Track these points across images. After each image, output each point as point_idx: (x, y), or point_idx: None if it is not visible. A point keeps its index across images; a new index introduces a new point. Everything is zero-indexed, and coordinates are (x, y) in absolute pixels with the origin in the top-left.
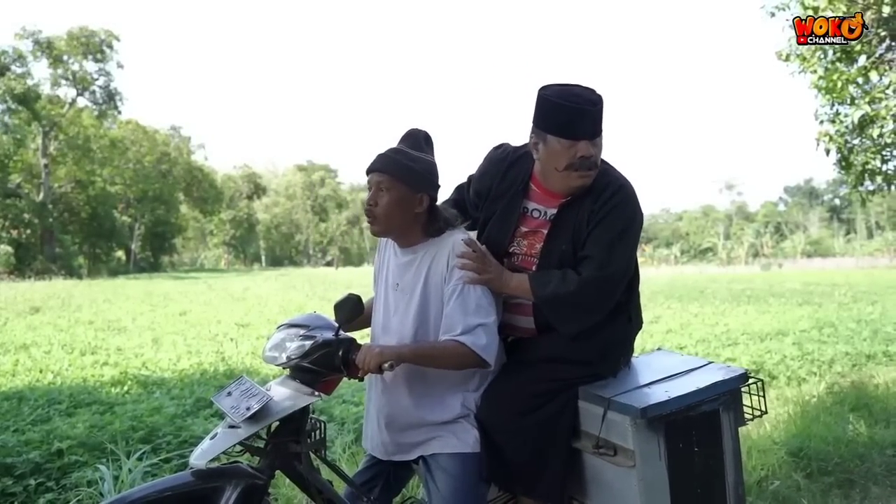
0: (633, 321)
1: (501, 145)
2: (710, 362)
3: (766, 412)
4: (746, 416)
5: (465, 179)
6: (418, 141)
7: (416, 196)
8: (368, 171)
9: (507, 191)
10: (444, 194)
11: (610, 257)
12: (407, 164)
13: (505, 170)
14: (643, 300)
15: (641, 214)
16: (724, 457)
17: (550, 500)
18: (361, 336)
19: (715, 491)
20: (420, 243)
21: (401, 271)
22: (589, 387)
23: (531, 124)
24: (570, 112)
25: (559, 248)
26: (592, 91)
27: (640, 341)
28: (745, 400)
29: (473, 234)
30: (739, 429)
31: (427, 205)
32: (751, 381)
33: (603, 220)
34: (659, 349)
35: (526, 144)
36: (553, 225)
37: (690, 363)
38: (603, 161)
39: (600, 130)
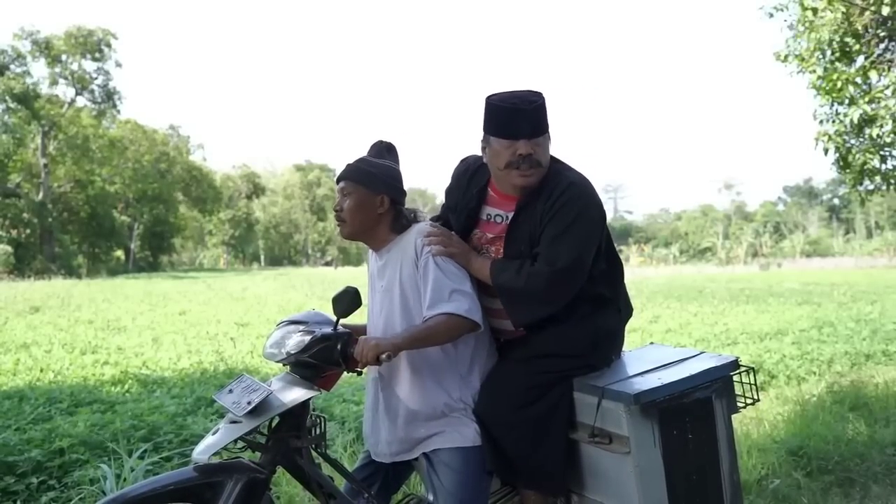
0: (622, 312)
1: (465, 158)
2: (701, 352)
3: (758, 400)
4: (739, 403)
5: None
6: (381, 150)
7: (376, 197)
8: (336, 181)
9: (470, 200)
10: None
11: (558, 253)
12: (366, 169)
13: (468, 181)
14: (642, 299)
15: (597, 208)
16: (719, 443)
17: (551, 491)
18: None
19: (710, 477)
20: (390, 242)
21: (381, 273)
22: (583, 378)
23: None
24: (507, 112)
25: (518, 248)
26: (534, 93)
27: (637, 341)
28: (738, 389)
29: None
30: (739, 426)
31: (389, 205)
32: (742, 368)
33: (553, 218)
34: (651, 343)
35: None
36: (510, 229)
37: (682, 353)
38: (558, 161)
39: (541, 130)
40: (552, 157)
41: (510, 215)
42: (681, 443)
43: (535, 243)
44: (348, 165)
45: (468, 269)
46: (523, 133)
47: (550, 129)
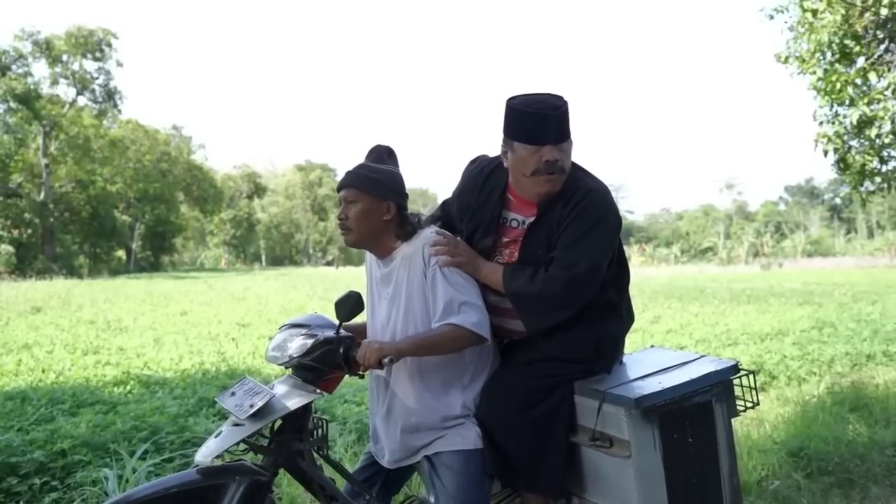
0: (625, 318)
1: (476, 159)
2: (702, 356)
3: (758, 403)
4: (739, 407)
5: (450, 196)
6: (381, 155)
7: (382, 204)
8: (338, 189)
9: (485, 202)
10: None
11: (574, 258)
12: (370, 175)
13: (482, 183)
14: (644, 299)
15: (615, 215)
16: (719, 447)
17: (552, 493)
18: None
19: (710, 481)
20: (395, 250)
21: (385, 281)
22: (584, 382)
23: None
24: (533, 118)
25: (535, 252)
26: (557, 97)
27: (639, 341)
28: (738, 392)
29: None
30: (739, 427)
31: (395, 212)
32: (742, 372)
33: (571, 224)
34: (652, 346)
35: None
36: (528, 233)
37: (683, 357)
38: (577, 167)
39: (566, 135)
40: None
41: (527, 220)
42: (681, 446)
43: (552, 248)
44: (350, 172)
45: (477, 276)
46: (549, 139)
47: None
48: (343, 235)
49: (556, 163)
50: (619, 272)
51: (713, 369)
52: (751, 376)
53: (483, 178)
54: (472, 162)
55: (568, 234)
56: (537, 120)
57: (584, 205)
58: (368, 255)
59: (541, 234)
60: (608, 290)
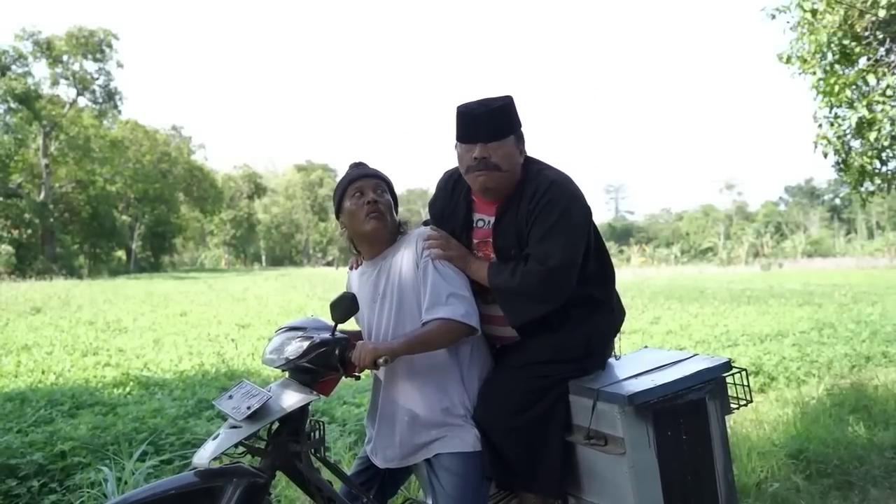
0: (615, 313)
1: (448, 170)
2: (695, 354)
3: (751, 401)
4: (732, 405)
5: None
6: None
7: (395, 201)
8: (358, 178)
9: (455, 207)
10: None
11: (547, 251)
12: (385, 176)
13: (451, 188)
14: (644, 300)
15: (582, 205)
16: (713, 444)
17: (549, 494)
18: None
19: (705, 477)
20: (386, 249)
21: (376, 282)
22: (578, 381)
23: None
24: (464, 118)
25: (508, 252)
26: (498, 98)
27: (639, 342)
28: (732, 391)
29: None
30: (739, 429)
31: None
32: (734, 370)
33: (538, 217)
34: (645, 347)
35: None
36: (494, 232)
37: (676, 356)
38: (538, 162)
39: (500, 134)
40: (531, 159)
41: (490, 219)
42: (675, 443)
43: (524, 244)
44: (367, 166)
45: (466, 271)
46: (480, 137)
47: (525, 130)
48: (376, 220)
49: (485, 160)
50: (601, 268)
51: (705, 366)
52: (743, 374)
53: (452, 183)
54: (445, 173)
55: (536, 228)
56: (468, 119)
57: (548, 198)
58: (349, 274)
59: (509, 233)
60: (591, 287)
